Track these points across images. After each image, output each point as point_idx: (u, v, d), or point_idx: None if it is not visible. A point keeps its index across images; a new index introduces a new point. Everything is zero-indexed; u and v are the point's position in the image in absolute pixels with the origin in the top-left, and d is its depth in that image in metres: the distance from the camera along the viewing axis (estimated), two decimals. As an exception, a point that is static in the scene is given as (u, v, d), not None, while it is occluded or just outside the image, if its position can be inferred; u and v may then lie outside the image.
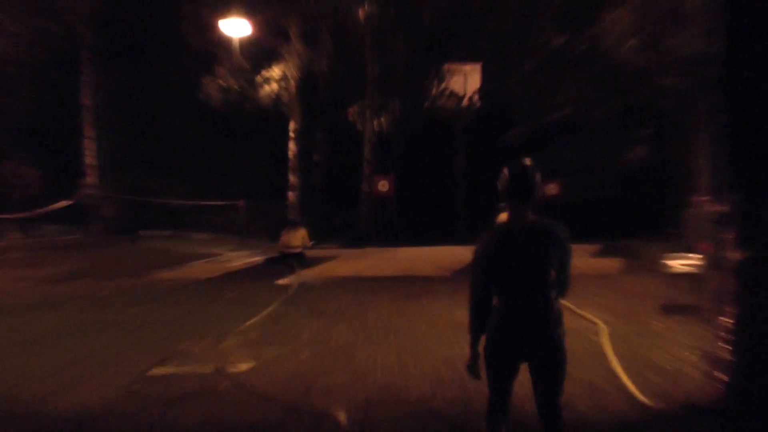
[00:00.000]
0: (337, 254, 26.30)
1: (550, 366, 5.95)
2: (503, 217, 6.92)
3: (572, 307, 13.99)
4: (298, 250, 23.72)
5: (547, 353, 5.91)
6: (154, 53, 46.21)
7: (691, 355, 10.44)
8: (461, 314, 13.87)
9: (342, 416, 8.60)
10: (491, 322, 6.02)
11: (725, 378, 7.84)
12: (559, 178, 35.55)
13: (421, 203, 40.58)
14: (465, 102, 13.45)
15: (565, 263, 5.97)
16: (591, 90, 26.87)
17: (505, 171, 6.05)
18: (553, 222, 6.01)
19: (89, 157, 35.50)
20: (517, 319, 5.90)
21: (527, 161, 6.08)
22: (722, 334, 8.03)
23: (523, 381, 6.26)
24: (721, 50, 8.53)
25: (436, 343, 11.58)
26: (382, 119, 36.53)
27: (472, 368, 6.19)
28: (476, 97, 12.91)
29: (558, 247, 5.93)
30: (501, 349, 5.99)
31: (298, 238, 23.88)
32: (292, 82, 38.58)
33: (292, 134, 39.24)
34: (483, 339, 6.18)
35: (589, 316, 13.29)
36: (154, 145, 42.42)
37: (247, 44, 38.78)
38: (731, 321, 7.98)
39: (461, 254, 24.55)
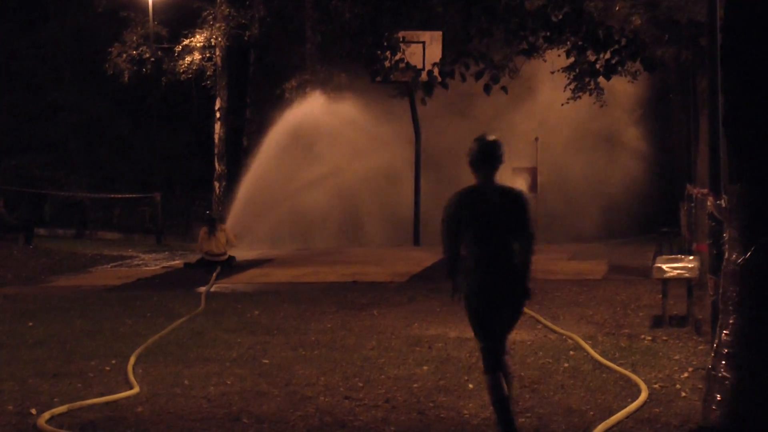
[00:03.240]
0: (273, 256, 26.27)
1: (515, 305, 8.20)
2: None
3: (543, 320, 14.14)
4: (224, 258, 23.63)
5: (515, 294, 8.10)
6: (46, 13, 45.65)
7: (684, 373, 10.62)
8: (419, 327, 13.98)
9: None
10: (465, 273, 8.16)
11: (722, 400, 7.95)
12: (529, 167, 35.28)
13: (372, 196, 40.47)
14: (424, 76, 13.53)
15: (526, 219, 8.06)
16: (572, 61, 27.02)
17: (473, 144, 8.19)
18: (513, 187, 8.28)
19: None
20: (488, 266, 8.04)
21: (491, 135, 8.29)
22: (720, 349, 8.13)
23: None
24: (723, 14, 8.55)
25: (388, 362, 11.65)
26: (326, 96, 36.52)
27: (453, 292, 8.38)
28: (437, 70, 13.04)
29: (518, 205, 8.08)
30: (478, 292, 8.06)
31: (220, 242, 23.79)
32: (218, 52, 38.44)
33: (218, 114, 39.07)
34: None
35: (559, 329, 13.42)
36: (51, 126, 41.97)
37: (165, 6, 38.59)
38: (731, 334, 8.06)
39: (418, 257, 24.64)
